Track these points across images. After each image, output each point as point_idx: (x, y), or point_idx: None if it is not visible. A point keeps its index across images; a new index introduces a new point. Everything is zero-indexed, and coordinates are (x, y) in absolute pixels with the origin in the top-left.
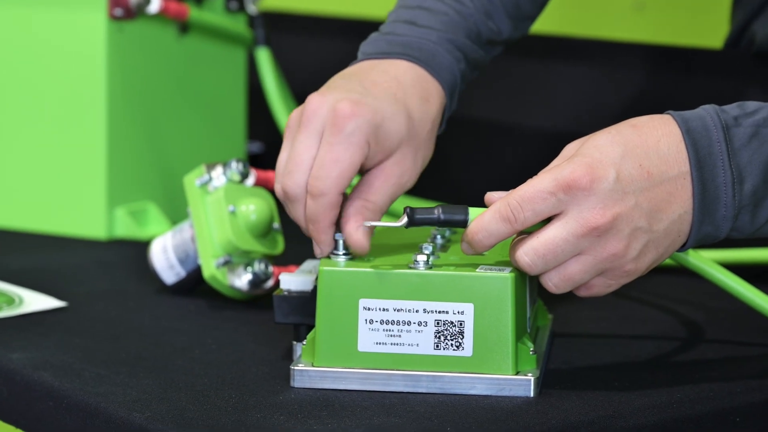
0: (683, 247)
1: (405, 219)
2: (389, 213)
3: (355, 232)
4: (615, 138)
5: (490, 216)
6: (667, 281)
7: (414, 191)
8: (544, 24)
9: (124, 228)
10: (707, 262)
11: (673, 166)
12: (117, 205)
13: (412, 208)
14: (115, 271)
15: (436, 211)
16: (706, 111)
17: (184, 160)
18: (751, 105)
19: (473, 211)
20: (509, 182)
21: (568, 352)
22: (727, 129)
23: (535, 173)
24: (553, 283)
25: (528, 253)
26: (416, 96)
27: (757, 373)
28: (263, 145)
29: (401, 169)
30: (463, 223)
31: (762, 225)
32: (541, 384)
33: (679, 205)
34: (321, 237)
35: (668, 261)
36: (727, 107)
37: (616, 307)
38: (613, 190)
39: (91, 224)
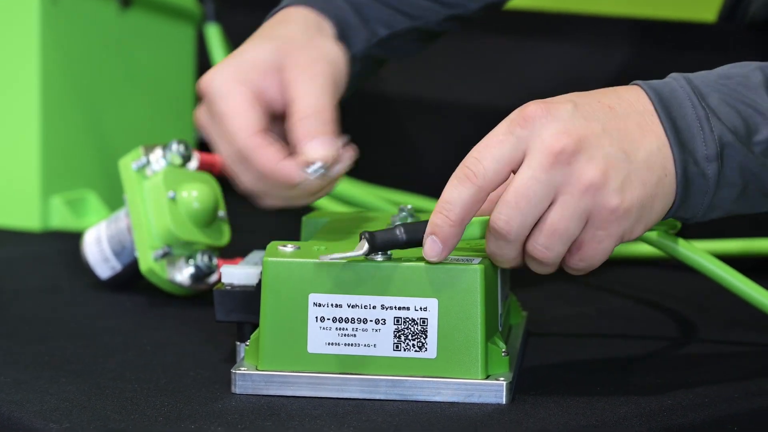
0: (674, 203)
1: (365, 246)
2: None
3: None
4: (568, 94)
5: (448, 185)
6: (655, 274)
7: (393, 183)
8: None
9: (60, 218)
10: (699, 252)
11: (635, 104)
12: (52, 193)
13: (371, 233)
14: (48, 266)
15: (398, 231)
16: (671, 76)
17: (126, 144)
18: (721, 68)
19: None
20: None
21: (544, 353)
22: (689, 79)
23: None
24: (541, 244)
25: (501, 210)
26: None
27: (755, 376)
28: None
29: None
30: None
31: (760, 170)
32: (515, 389)
33: (654, 137)
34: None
35: (658, 252)
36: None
37: (597, 303)
38: (574, 116)
39: (24, 214)
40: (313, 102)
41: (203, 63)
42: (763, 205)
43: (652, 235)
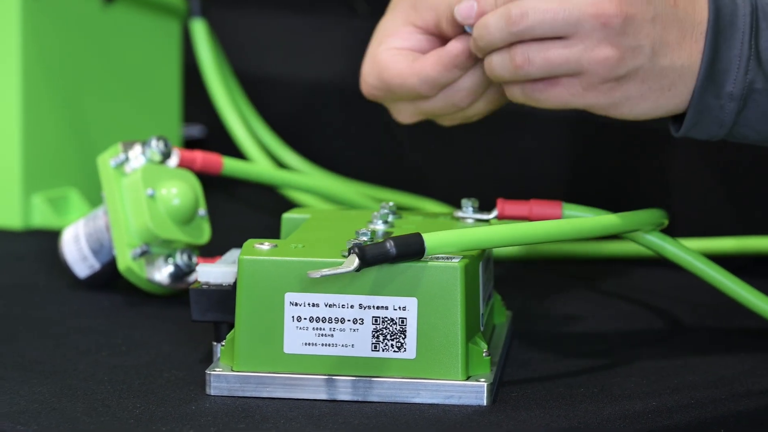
0: (680, 122)
1: (356, 261)
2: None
3: None
4: None
5: (496, 10)
6: (643, 272)
7: (375, 179)
8: None
9: (42, 217)
10: (688, 251)
11: (697, 12)
12: (34, 191)
13: (361, 247)
14: (28, 264)
15: (387, 245)
16: None
17: (110, 142)
18: None
19: (428, 238)
20: (522, 178)
21: (528, 353)
22: (756, 9)
23: (554, 164)
24: (528, 54)
25: (528, 4)
26: None
27: (743, 378)
28: (204, 129)
29: None
30: (420, 253)
31: None
32: (496, 391)
33: (688, 55)
34: None
35: (646, 251)
36: None
37: (584, 301)
38: None
39: (5, 213)
40: None
41: (189, 59)
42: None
43: (639, 234)
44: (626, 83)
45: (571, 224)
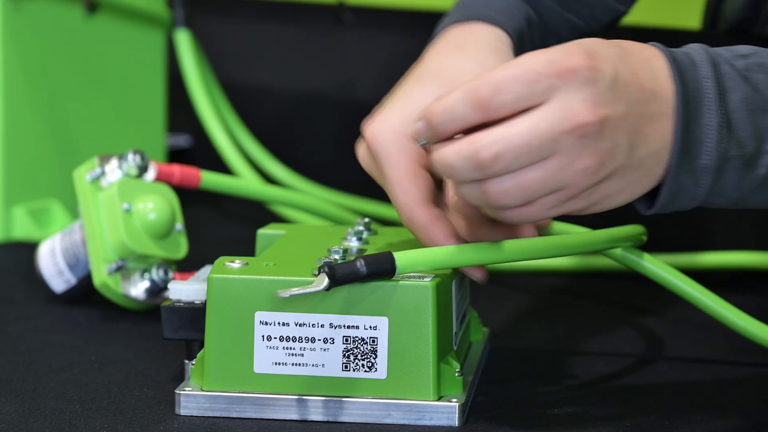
0: (655, 203)
1: (326, 280)
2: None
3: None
4: (608, 41)
5: (460, 95)
6: (621, 287)
7: (356, 190)
8: None
9: (23, 229)
10: (665, 268)
11: (661, 85)
12: (15, 203)
13: (331, 266)
14: (5, 278)
15: (358, 264)
16: (692, 47)
17: (92, 153)
18: (742, 49)
19: (399, 257)
20: None
21: (503, 371)
22: (717, 65)
23: None
24: (504, 187)
25: (497, 145)
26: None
27: (720, 398)
28: (191, 139)
29: None
30: (391, 272)
31: (750, 191)
32: (468, 411)
33: (660, 137)
34: None
35: (620, 266)
36: (715, 48)
37: (562, 318)
38: (610, 88)
39: None
40: None
41: (173, 69)
42: (758, 205)
43: (617, 251)
44: (605, 183)
45: (548, 242)
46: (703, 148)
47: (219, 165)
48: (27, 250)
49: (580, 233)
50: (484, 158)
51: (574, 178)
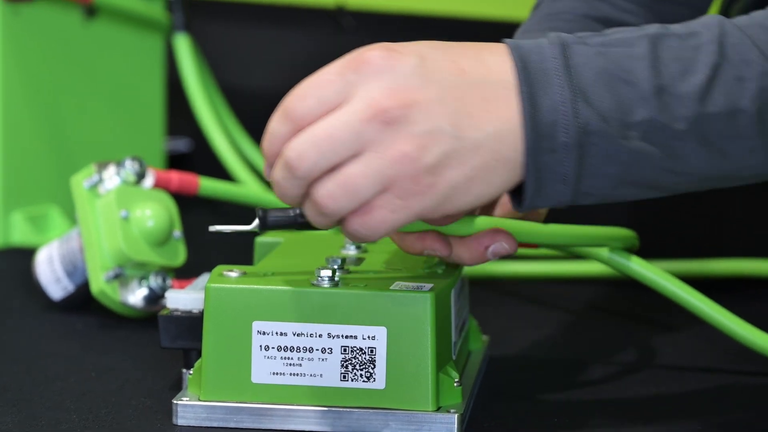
0: (523, 198)
1: (256, 222)
2: None
3: None
4: (429, 41)
5: (276, 114)
6: (619, 293)
7: None
8: (499, 9)
9: (22, 234)
10: (654, 269)
11: (494, 72)
12: (13, 208)
13: (264, 210)
14: (3, 284)
15: (292, 212)
16: (547, 35)
17: (91, 158)
18: (609, 30)
19: None
20: None
21: (502, 381)
22: (566, 46)
23: None
24: (328, 191)
25: (299, 142)
26: None
27: (719, 407)
28: (191, 142)
29: None
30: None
31: (628, 167)
32: (467, 421)
33: (497, 117)
34: None
35: (616, 273)
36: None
37: (560, 325)
38: (414, 74)
39: None
40: None
41: (172, 74)
42: (645, 195)
43: (604, 254)
44: (443, 172)
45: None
46: (559, 125)
47: (219, 169)
48: (25, 256)
49: (566, 226)
50: (290, 158)
51: (396, 167)
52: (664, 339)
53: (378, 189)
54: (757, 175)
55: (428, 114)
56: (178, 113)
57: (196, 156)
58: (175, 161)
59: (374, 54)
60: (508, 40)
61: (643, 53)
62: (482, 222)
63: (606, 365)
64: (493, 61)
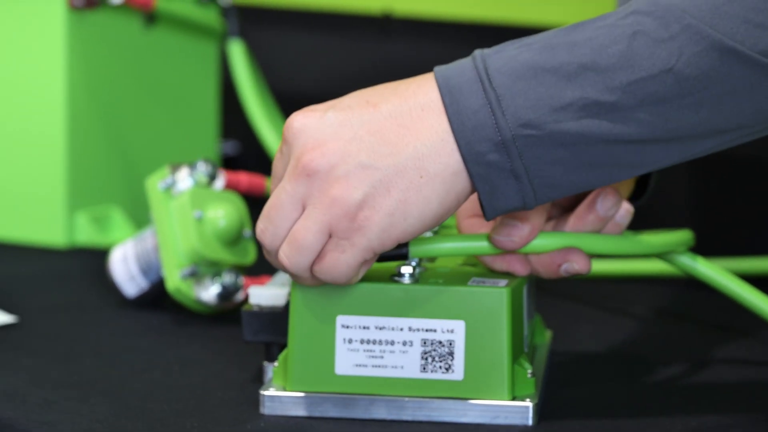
0: (482, 205)
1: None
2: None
3: None
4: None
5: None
6: (675, 292)
7: None
8: (548, 15)
9: (86, 234)
10: (718, 270)
11: (409, 98)
12: (78, 209)
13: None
14: (74, 283)
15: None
16: (474, 54)
17: (150, 160)
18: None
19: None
20: None
21: (568, 373)
22: (485, 57)
23: None
24: (284, 253)
25: (260, 221)
26: None
27: None
28: (239, 145)
29: None
30: (404, 255)
31: (576, 158)
32: (541, 411)
33: (416, 139)
34: None
35: (676, 270)
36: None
37: (618, 323)
38: (325, 125)
39: (49, 230)
40: None
41: (226, 79)
42: (611, 175)
43: (664, 253)
44: (375, 203)
45: (596, 240)
46: (487, 126)
47: (265, 171)
48: (90, 255)
49: (632, 238)
50: (258, 237)
51: (331, 211)
52: (727, 338)
53: (323, 237)
54: (717, 133)
55: (345, 156)
56: (226, 116)
57: (244, 158)
58: (225, 163)
59: (292, 120)
60: (436, 66)
61: (559, 42)
62: (554, 240)
63: (662, 358)
64: (414, 88)
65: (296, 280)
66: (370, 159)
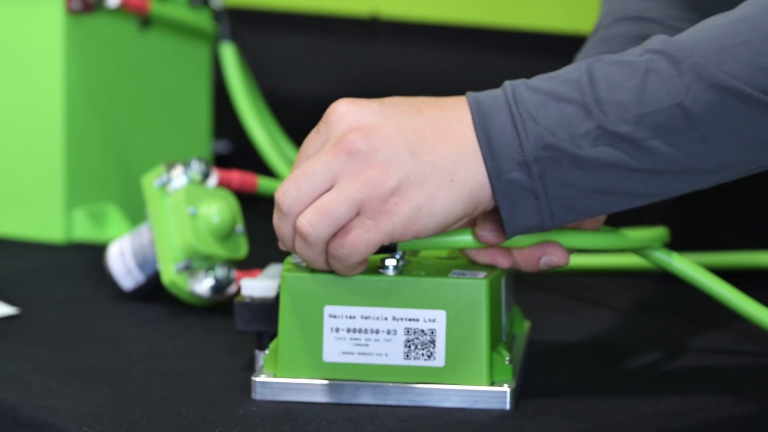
0: (503, 220)
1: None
2: None
3: None
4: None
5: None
6: (646, 286)
7: None
8: (531, 19)
9: (83, 230)
10: (692, 265)
11: (447, 110)
12: (75, 206)
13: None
14: (72, 276)
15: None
16: (505, 84)
17: (145, 159)
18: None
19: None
20: None
21: (545, 361)
22: (514, 86)
23: None
24: (307, 219)
25: (283, 184)
26: None
27: (747, 383)
28: (231, 144)
29: None
30: (392, 248)
31: (592, 184)
32: (518, 396)
33: (452, 144)
34: None
35: (651, 265)
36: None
37: (594, 313)
38: (373, 114)
39: (48, 226)
40: None
41: (218, 80)
42: (623, 203)
43: (640, 248)
44: (406, 193)
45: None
46: (512, 146)
47: (257, 169)
48: (88, 250)
49: (609, 234)
50: (276, 197)
51: (364, 191)
52: (696, 328)
53: (352, 212)
54: (724, 167)
55: (388, 143)
56: (219, 116)
57: (235, 157)
58: (217, 162)
59: (338, 103)
60: (468, 92)
61: (580, 77)
62: (535, 235)
63: (636, 347)
64: (450, 104)
65: (303, 254)
66: (411, 152)
